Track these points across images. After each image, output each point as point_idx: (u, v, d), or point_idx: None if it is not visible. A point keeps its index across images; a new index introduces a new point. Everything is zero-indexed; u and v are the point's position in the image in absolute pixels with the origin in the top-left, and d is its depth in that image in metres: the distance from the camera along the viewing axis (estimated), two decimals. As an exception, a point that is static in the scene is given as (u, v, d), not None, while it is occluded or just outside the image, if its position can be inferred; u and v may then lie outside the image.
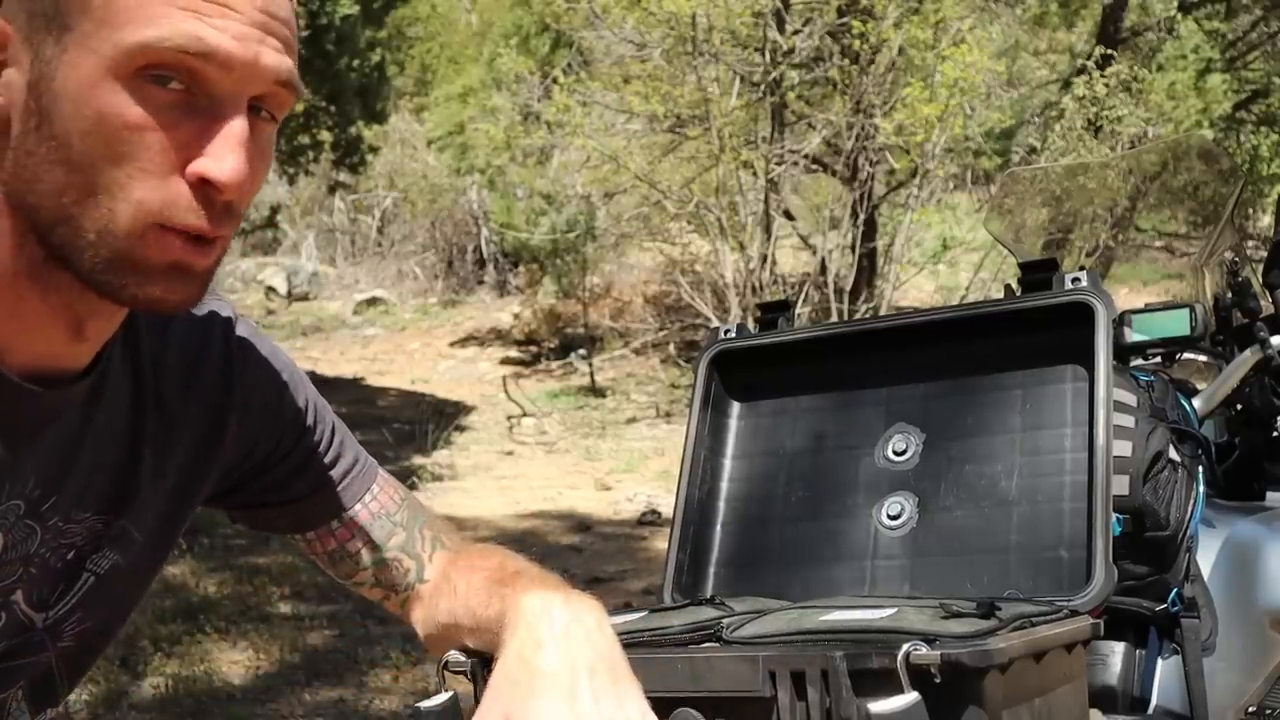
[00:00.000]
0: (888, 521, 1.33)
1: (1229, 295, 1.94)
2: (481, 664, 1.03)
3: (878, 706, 0.88)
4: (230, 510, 1.14)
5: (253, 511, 1.14)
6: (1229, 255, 2.04)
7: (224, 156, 0.81)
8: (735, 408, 1.48)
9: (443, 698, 1.03)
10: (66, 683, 1.02)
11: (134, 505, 0.99)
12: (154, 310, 0.86)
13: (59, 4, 0.79)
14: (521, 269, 13.02)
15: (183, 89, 0.80)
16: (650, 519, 6.15)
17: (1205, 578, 1.53)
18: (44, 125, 0.80)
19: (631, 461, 7.68)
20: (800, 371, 1.45)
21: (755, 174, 8.52)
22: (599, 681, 0.86)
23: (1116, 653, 1.49)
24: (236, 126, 0.82)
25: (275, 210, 12.41)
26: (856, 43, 8.18)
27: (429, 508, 1.22)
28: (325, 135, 9.94)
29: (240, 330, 1.06)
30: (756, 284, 8.25)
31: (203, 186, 0.81)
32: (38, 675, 0.98)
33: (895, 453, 1.36)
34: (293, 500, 1.12)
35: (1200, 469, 1.53)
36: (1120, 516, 1.39)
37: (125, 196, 0.80)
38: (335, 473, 1.12)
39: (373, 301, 13.62)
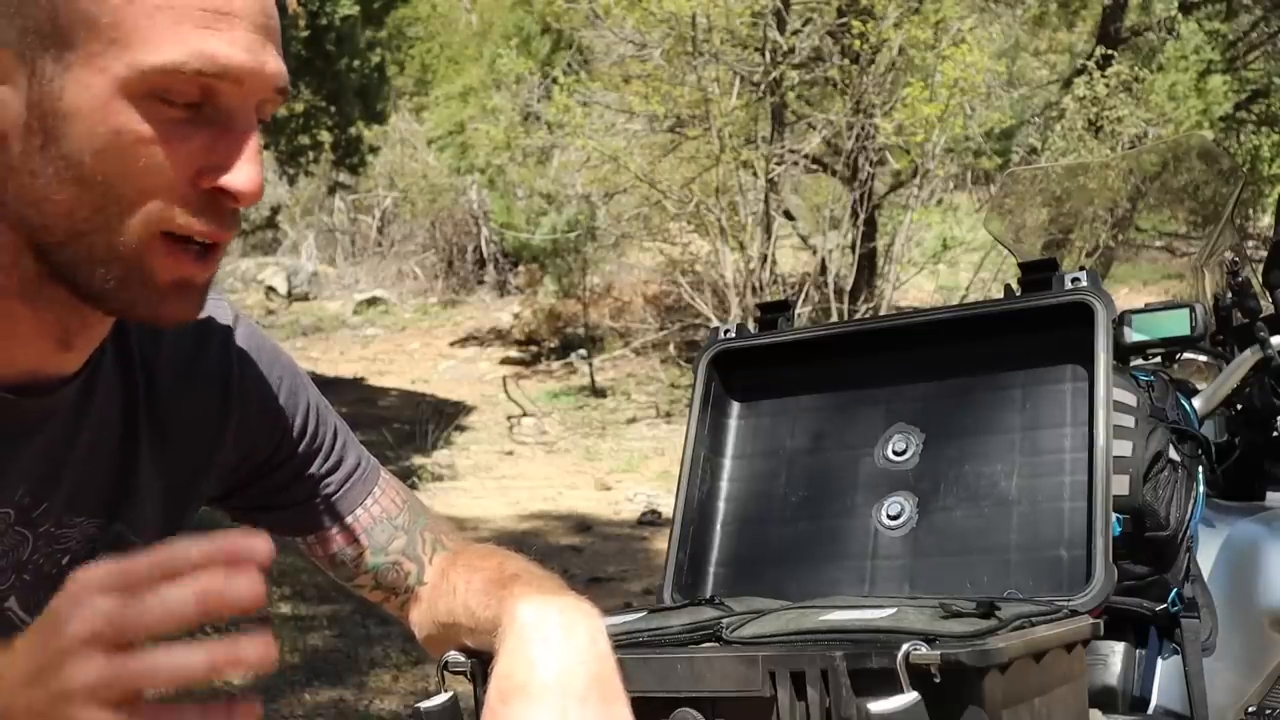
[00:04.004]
0: (887, 521, 1.33)
1: (1229, 295, 1.94)
2: (481, 664, 1.03)
3: (878, 706, 0.88)
4: (230, 512, 1.14)
5: (253, 514, 1.14)
6: (1229, 255, 2.04)
7: (242, 168, 0.83)
8: (735, 408, 1.48)
9: (443, 698, 1.03)
10: None
11: (129, 509, 0.98)
12: (157, 325, 0.88)
13: (58, 22, 0.79)
14: (521, 269, 13.02)
15: (195, 104, 0.82)
16: (650, 519, 6.15)
17: (1205, 578, 1.53)
18: (51, 145, 0.80)
19: (631, 461, 7.68)
20: (800, 371, 1.45)
21: (755, 174, 8.51)
22: (589, 707, 0.86)
23: (1116, 653, 1.49)
24: (253, 139, 0.84)
25: (275, 210, 12.41)
26: (856, 43, 8.18)
27: (430, 508, 1.22)
28: (325, 135, 9.94)
29: (240, 332, 1.06)
30: (756, 284, 8.25)
31: (214, 195, 0.83)
32: None
33: (895, 453, 1.36)
34: (293, 504, 1.11)
35: (1200, 469, 1.53)
36: (1120, 516, 1.39)
37: (138, 210, 0.81)
38: (336, 477, 1.12)
39: (373, 301, 13.62)
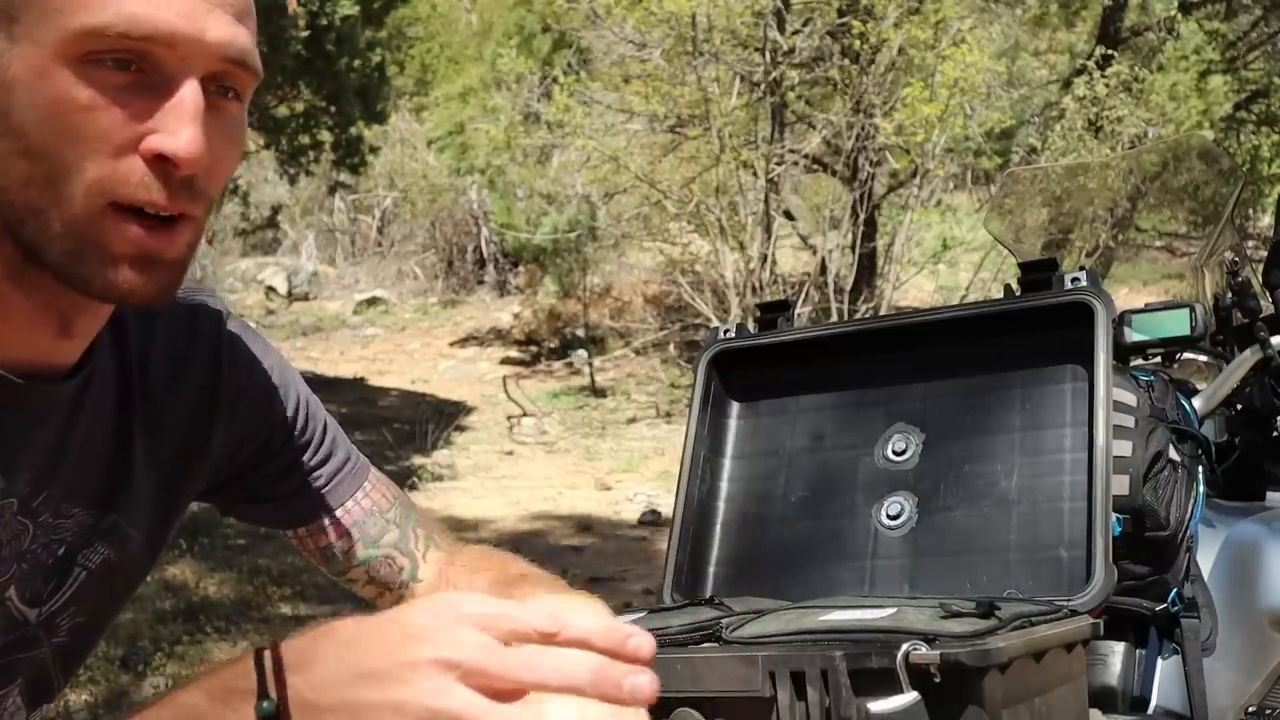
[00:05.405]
0: (887, 521, 1.33)
1: (1229, 295, 1.94)
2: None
3: (878, 706, 0.88)
4: (222, 505, 1.15)
5: (244, 507, 1.14)
6: (1229, 255, 2.04)
7: (177, 130, 0.80)
8: (735, 408, 1.48)
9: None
10: (61, 678, 1.02)
11: (124, 499, 0.98)
12: (129, 302, 0.85)
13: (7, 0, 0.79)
14: (521, 269, 13.03)
15: (133, 69, 0.80)
16: (650, 519, 6.15)
17: (1205, 578, 1.53)
18: (3, 119, 0.80)
19: (631, 461, 7.68)
20: (800, 371, 1.45)
21: (755, 174, 8.51)
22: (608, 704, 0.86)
23: (1116, 653, 1.49)
24: (188, 99, 0.80)
25: (275, 210, 12.40)
26: (856, 43, 8.18)
27: (422, 509, 1.22)
28: (325, 135, 9.93)
29: (230, 327, 1.06)
30: (756, 284, 8.25)
31: (159, 162, 0.80)
32: (33, 671, 0.98)
33: (895, 453, 1.36)
34: (284, 496, 1.12)
35: (1200, 469, 1.53)
36: (1120, 516, 1.39)
37: (80, 179, 0.80)
38: (326, 470, 1.12)
39: (373, 301, 13.62)
